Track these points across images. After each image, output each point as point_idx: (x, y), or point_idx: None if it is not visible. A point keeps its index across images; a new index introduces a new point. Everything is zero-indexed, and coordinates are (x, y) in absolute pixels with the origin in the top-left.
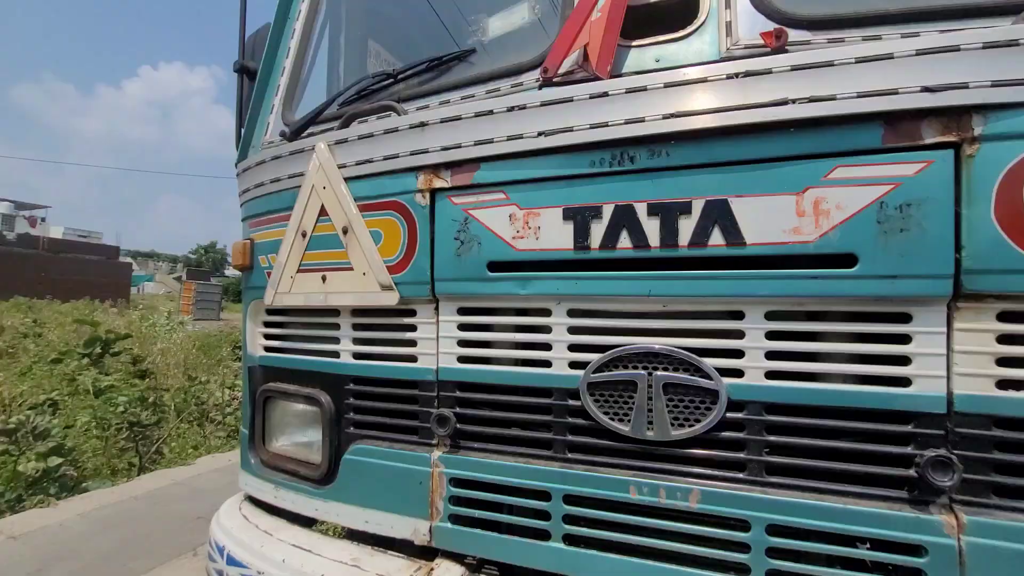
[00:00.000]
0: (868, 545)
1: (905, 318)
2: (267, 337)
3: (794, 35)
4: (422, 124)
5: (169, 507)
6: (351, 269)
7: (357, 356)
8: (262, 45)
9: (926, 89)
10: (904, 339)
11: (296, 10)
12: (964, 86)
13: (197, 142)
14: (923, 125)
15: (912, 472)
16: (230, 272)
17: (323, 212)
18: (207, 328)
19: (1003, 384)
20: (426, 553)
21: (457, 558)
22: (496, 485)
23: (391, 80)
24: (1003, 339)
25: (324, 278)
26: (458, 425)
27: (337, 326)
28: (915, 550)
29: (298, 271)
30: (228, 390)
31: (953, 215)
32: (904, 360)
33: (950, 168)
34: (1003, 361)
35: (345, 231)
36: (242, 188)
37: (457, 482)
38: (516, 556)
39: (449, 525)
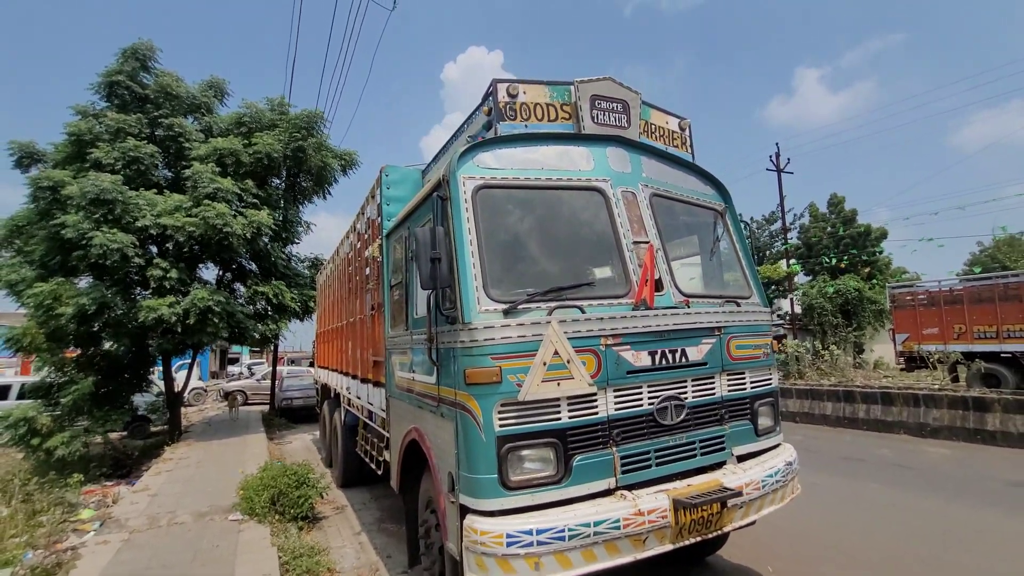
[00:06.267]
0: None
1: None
2: (502, 418)
3: (693, 301)
4: (600, 318)
5: None
6: (573, 379)
7: (570, 417)
8: (438, 242)
9: (715, 324)
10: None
11: (465, 229)
12: (719, 322)
13: None
14: (715, 332)
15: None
16: None
17: (555, 353)
18: None
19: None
20: (604, 494)
21: (622, 488)
22: (636, 454)
23: (560, 289)
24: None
25: (559, 384)
26: (620, 436)
27: (558, 406)
28: None
29: (541, 382)
30: None
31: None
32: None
33: (720, 340)
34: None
35: (568, 362)
36: (477, 338)
37: (622, 458)
38: (645, 476)
39: (623, 475)
